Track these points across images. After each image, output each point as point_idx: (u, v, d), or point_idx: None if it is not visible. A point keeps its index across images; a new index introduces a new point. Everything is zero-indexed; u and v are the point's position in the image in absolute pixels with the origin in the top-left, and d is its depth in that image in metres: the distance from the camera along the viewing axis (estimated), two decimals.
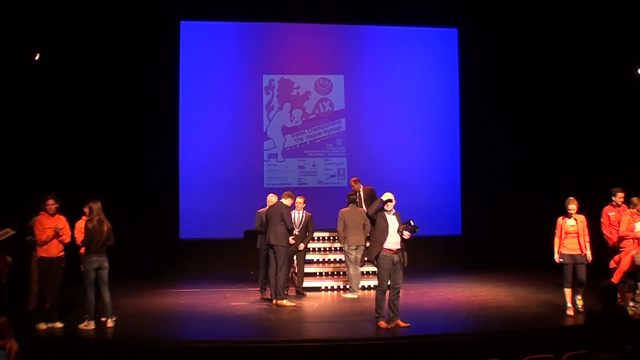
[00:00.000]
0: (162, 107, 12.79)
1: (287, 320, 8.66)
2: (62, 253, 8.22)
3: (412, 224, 7.89)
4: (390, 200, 7.94)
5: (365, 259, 9.93)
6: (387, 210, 7.95)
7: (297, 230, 10.05)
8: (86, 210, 8.38)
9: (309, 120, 13.82)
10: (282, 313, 9.01)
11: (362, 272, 10.86)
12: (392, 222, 7.91)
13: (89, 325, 7.90)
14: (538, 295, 9.88)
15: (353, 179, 11.66)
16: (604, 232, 9.29)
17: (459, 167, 13.79)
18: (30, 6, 11.07)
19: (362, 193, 11.36)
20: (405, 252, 7.99)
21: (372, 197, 11.10)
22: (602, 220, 9.33)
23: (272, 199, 10.04)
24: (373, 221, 7.97)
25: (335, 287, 10.83)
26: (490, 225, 13.33)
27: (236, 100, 13.63)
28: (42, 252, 8.08)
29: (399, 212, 8.10)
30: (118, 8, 12.19)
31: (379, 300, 7.92)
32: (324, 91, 13.88)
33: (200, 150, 13.33)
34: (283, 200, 9.72)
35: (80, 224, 8.39)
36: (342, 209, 10.49)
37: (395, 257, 7.88)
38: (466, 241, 13.59)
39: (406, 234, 7.89)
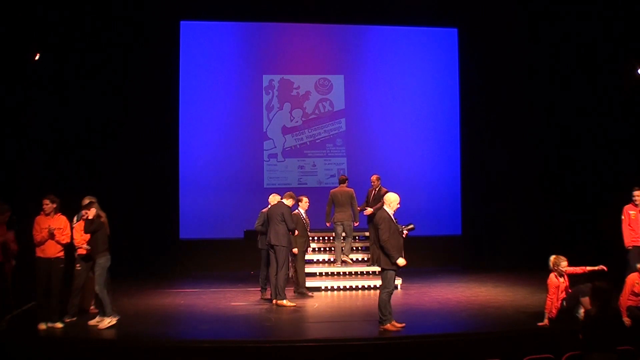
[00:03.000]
0: (162, 107, 12.79)
1: (287, 320, 8.66)
2: (61, 254, 8.17)
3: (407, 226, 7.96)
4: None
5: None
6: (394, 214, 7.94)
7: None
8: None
9: (309, 120, 13.82)
10: (282, 313, 9.01)
11: (360, 272, 11.04)
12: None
13: (111, 322, 7.97)
14: (538, 295, 9.84)
15: (376, 175, 11.48)
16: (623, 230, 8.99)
17: (459, 167, 13.79)
18: (30, 6, 11.07)
19: (374, 192, 11.29)
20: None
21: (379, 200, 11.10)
22: (622, 217, 9.03)
23: (272, 199, 10.04)
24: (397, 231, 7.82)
25: (336, 287, 10.83)
26: (490, 225, 13.33)
27: (236, 100, 13.63)
28: (39, 252, 8.06)
29: (399, 212, 8.07)
30: (118, 8, 12.20)
31: (385, 302, 7.81)
32: (324, 91, 13.88)
33: (200, 150, 13.33)
34: (284, 200, 9.73)
35: (81, 225, 8.33)
36: (332, 190, 11.22)
37: None
38: (466, 241, 13.58)
39: (405, 232, 7.91)
